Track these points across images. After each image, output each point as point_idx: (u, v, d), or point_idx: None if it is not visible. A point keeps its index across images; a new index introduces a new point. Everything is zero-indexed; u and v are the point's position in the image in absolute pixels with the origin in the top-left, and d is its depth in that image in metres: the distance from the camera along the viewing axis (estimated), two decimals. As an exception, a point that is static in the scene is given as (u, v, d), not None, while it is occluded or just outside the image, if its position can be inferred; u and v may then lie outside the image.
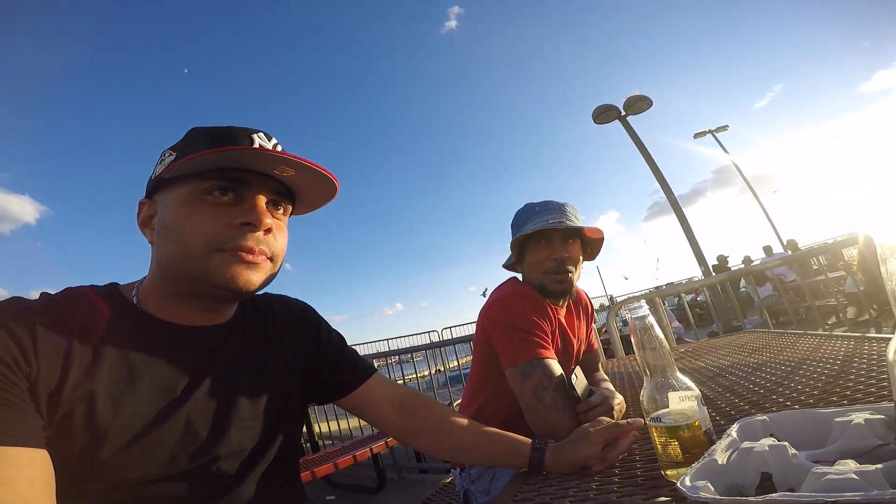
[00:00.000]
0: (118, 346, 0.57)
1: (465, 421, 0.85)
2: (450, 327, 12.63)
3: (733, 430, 0.56)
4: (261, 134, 0.63)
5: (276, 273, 0.66)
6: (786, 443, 0.48)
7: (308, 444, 3.67)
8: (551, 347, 1.10)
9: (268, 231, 0.62)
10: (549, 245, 1.20)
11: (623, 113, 7.40)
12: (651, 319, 0.61)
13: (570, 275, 1.19)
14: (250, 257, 0.60)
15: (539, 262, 1.19)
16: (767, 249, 9.70)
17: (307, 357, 0.80)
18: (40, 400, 0.50)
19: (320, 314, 0.87)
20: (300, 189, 0.67)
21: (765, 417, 0.59)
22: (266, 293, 0.81)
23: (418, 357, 4.03)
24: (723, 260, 10.33)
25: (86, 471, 0.53)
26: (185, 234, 0.58)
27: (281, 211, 0.66)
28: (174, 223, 0.59)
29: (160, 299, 0.63)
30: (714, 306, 4.65)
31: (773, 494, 0.37)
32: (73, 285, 0.62)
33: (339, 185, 0.68)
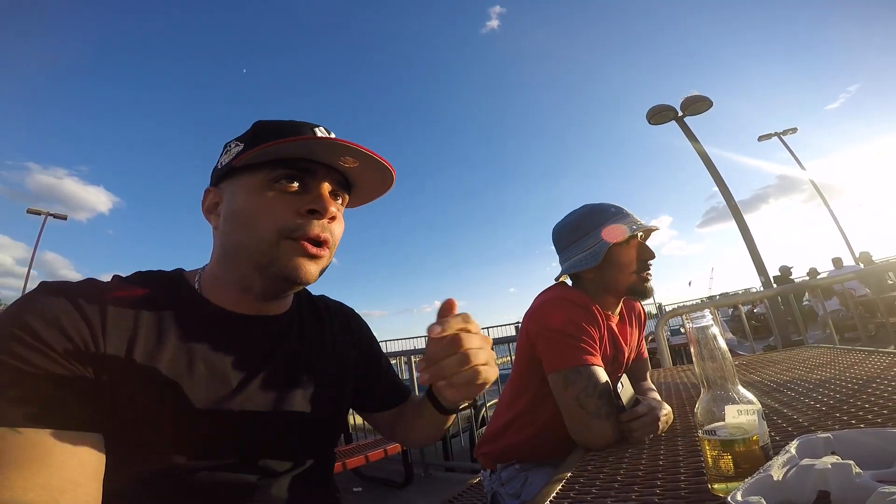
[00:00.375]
0: (179, 332, 0.59)
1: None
2: (487, 328, 12.60)
3: (792, 447, 0.52)
4: (322, 128, 0.66)
5: (330, 262, 0.68)
6: (851, 462, 0.44)
7: (342, 436, 3.76)
8: (598, 354, 1.07)
9: (332, 219, 0.64)
10: (642, 245, 1.20)
11: (680, 114, 7.07)
12: (714, 330, 0.58)
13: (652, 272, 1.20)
14: (315, 250, 0.62)
15: (629, 263, 1.18)
16: (837, 262, 8.97)
17: (357, 363, 0.82)
18: (104, 382, 0.52)
19: (367, 325, 0.91)
20: (358, 180, 0.69)
21: (828, 435, 0.54)
22: (321, 295, 0.86)
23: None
24: (785, 271, 9.68)
25: (137, 454, 0.54)
26: (255, 219, 0.61)
27: (340, 201, 0.68)
28: (245, 209, 0.61)
29: (221, 286, 0.65)
30: (774, 318, 4.36)
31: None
32: (143, 270, 0.66)
33: (395, 177, 0.69)
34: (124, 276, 0.63)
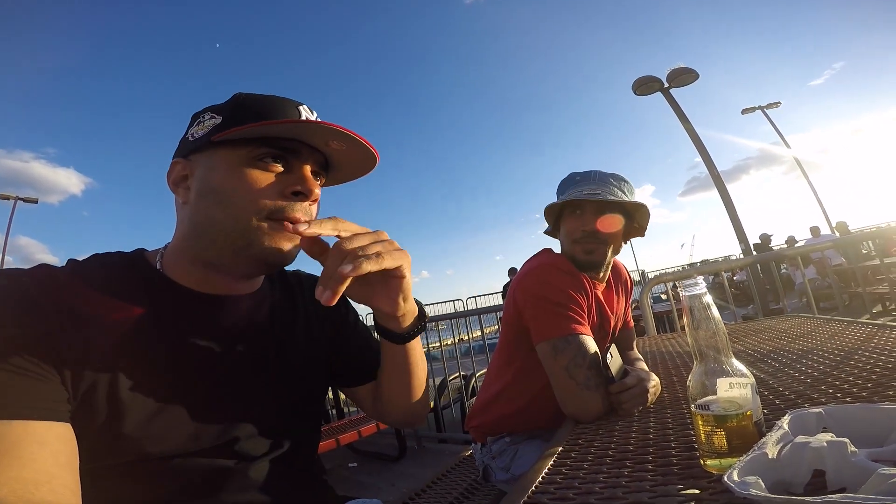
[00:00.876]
0: (141, 316, 0.57)
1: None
2: (475, 296, 12.73)
3: (784, 423, 0.52)
4: (305, 107, 0.63)
5: None
6: (846, 439, 0.44)
7: (334, 411, 3.81)
8: (587, 323, 1.07)
9: (314, 201, 0.62)
10: (583, 216, 1.16)
11: (666, 85, 7.02)
12: (708, 298, 0.57)
13: (600, 246, 1.15)
14: (294, 230, 0.59)
15: (570, 232, 1.17)
16: (815, 230, 9.18)
17: (332, 336, 0.79)
18: (65, 372, 0.50)
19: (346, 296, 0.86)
20: (340, 162, 0.67)
21: (820, 410, 0.55)
22: (294, 270, 0.81)
23: (442, 325, 4.07)
24: (766, 239, 9.87)
25: (107, 445, 0.52)
26: (235, 197, 0.58)
27: (319, 182, 0.66)
28: (224, 186, 0.58)
29: (187, 264, 0.62)
30: (753, 286, 4.46)
31: (836, 495, 0.34)
32: (101, 252, 0.63)
33: (378, 161, 0.67)
34: (80, 259, 0.60)
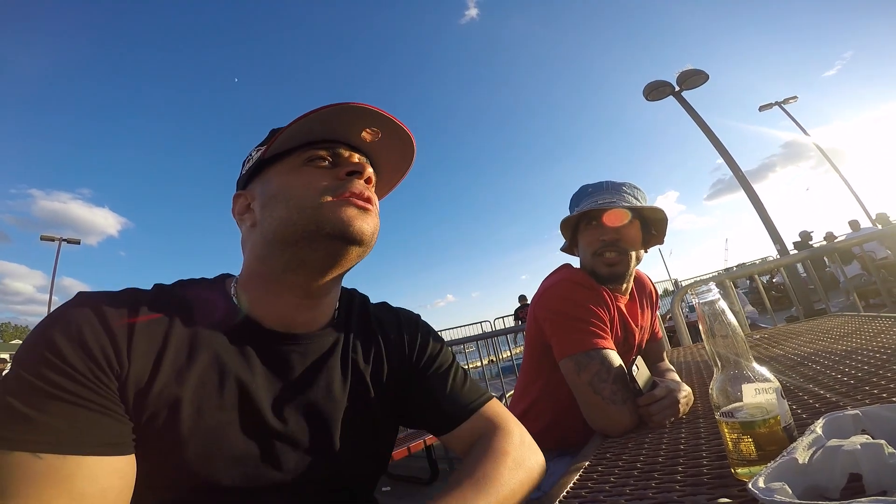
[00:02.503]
0: (212, 350, 0.56)
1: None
2: (502, 317, 12.56)
3: (818, 426, 0.50)
4: None
5: (378, 227, 0.65)
6: (882, 441, 0.41)
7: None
8: (609, 337, 1.05)
9: (368, 181, 0.63)
10: (600, 227, 1.14)
11: (677, 88, 6.94)
12: (722, 304, 0.55)
13: (622, 257, 1.13)
14: (361, 202, 0.60)
15: (589, 244, 1.15)
16: (854, 224, 8.75)
17: (411, 380, 0.72)
18: (129, 400, 0.50)
19: (433, 333, 0.78)
20: (380, 161, 0.69)
21: (856, 412, 0.52)
22: (382, 302, 0.79)
23: (470, 348, 4.03)
24: (805, 236, 9.46)
25: (161, 477, 0.52)
26: (295, 192, 0.59)
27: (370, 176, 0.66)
28: (283, 188, 0.60)
29: (259, 290, 0.61)
30: (793, 288, 4.26)
31: (864, 499, 0.32)
32: (185, 278, 0.64)
33: (415, 148, 0.67)
34: (166, 285, 0.61)
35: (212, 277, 0.67)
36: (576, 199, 1.23)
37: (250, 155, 0.67)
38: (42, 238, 14.24)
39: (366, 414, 0.66)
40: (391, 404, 0.70)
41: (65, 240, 14.42)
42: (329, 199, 0.59)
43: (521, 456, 0.64)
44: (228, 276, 0.67)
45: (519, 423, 0.74)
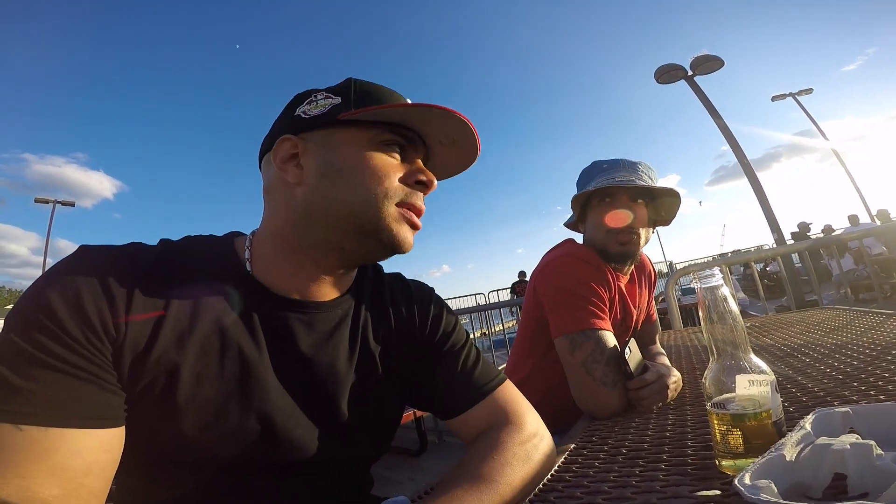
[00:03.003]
0: (216, 314, 0.53)
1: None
2: (497, 290, 12.65)
3: (807, 423, 0.50)
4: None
5: None
6: (872, 441, 0.41)
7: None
8: (608, 317, 1.04)
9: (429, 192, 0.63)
10: (613, 204, 1.12)
11: (690, 73, 6.78)
12: (725, 290, 0.54)
13: (635, 237, 1.11)
14: (418, 221, 0.60)
15: (602, 223, 1.12)
16: (853, 219, 8.74)
17: (422, 356, 0.70)
18: (123, 366, 0.47)
19: (447, 309, 0.75)
20: (435, 160, 0.65)
21: (847, 409, 0.52)
22: (396, 273, 0.76)
23: (464, 320, 4.06)
24: (804, 227, 9.47)
25: (157, 449, 0.50)
26: (367, 179, 0.56)
27: None
28: (354, 166, 0.56)
29: (279, 256, 0.58)
30: (787, 277, 4.29)
31: (845, 501, 0.32)
32: (194, 234, 0.61)
33: (472, 164, 0.66)
34: (173, 241, 0.58)
35: (221, 235, 0.63)
36: (588, 175, 1.20)
37: (313, 97, 0.60)
38: (36, 200, 14.09)
39: (372, 390, 0.63)
40: (399, 382, 0.67)
41: (59, 202, 14.34)
42: (396, 206, 0.57)
43: (528, 451, 0.61)
44: (240, 234, 0.63)
45: (532, 409, 0.71)
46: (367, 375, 0.63)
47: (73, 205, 14.88)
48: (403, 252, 0.59)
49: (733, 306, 0.54)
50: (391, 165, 0.58)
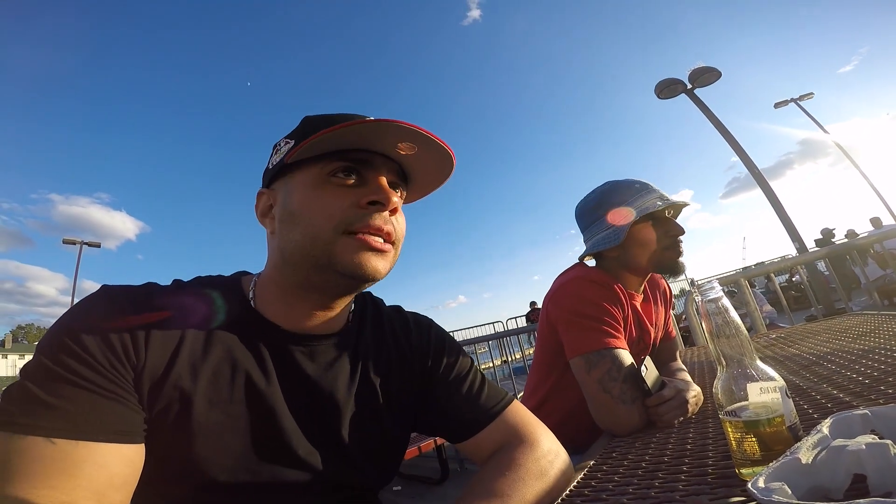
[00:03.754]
0: (226, 346, 0.57)
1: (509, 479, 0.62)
2: (515, 317, 12.51)
3: (825, 426, 0.49)
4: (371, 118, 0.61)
5: (397, 258, 0.63)
6: (889, 441, 0.40)
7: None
8: (622, 336, 1.04)
9: (393, 211, 0.60)
10: (662, 222, 1.14)
11: (689, 86, 6.85)
12: (725, 302, 0.55)
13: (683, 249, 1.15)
14: (378, 243, 0.57)
15: (654, 240, 1.14)
16: (876, 222, 8.49)
17: (425, 385, 0.72)
18: (143, 391, 0.51)
19: (448, 337, 0.78)
20: (415, 169, 0.64)
21: (866, 411, 0.51)
22: (395, 306, 0.78)
23: (482, 348, 4.02)
24: (828, 234, 9.19)
25: (170, 468, 0.53)
26: (312, 217, 0.57)
27: (399, 193, 0.64)
28: (300, 207, 0.58)
29: (279, 294, 0.62)
30: (813, 287, 4.16)
31: (864, 500, 0.32)
32: (203, 275, 0.65)
33: (455, 162, 0.63)
34: (185, 280, 0.62)
35: (229, 275, 0.67)
36: (618, 196, 1.18)
37: (278, 146, 0.63)
38: (64, 241, 14.70)
39: (372, 419, 0.65)
40: (403, 410, 0.69)
41: (86, 243, 14.92)
42: (345, 235, 0.56)
43: (543, 467, 0.61)
44: (246, 273, 0.67)
45: (545, 427, 0.71)
46: (367, 404, 0.65)
47: (98, 246, 15.50)
48: (369, 278, 0.58)
49: (735, 316, 0.54)
50: (340, 195, 0.57)
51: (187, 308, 0.56)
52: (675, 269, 1.15)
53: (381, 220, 0.58)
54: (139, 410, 0.50)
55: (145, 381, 0.51)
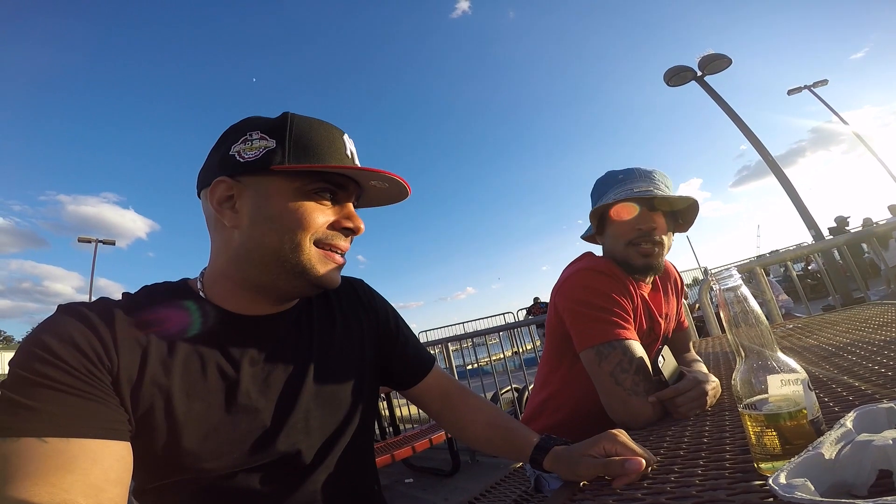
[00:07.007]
0: (189, 340, 0.61)
1: (488, 414, 0.84)
2: (524, 308, 12.47)
3: (848, 420, 0.47)
4: (346, 136, 0.67)
5: None
6: (917, 436, 0.39)
7: (390, 428, 3.85)
8: (632, 327, 1.02)
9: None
10: (634, 214, 1.09)
11: (699, 73, 6.69)
12: (744, 290, 0.53)
13: (657, 248, 1.09)
14: (341, 260, 0.67)
15: (622, 234, 1.10)
16: (893, 209, 8.29)
17: (375, 337, 0.81)
18: (123, 394, 0.53)
19: (385, 299, 0.89)
20: (374, 196, 0.72)
21: (891, 405, 0.49)
22: None
23: (493, 340, 4.01)
24: (842, 221, 9.00)
25: (168, 463, 0.56)
26: (292, 225, 0.61)
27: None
28: (283, 215, 0.61)
29: (233, 288, 0.65)
30: (829, 275, 4.08)
31: (891, 497, 0.30)
32: (149, 284, 0.67)
33: (409, 194, 0.72)
34: (132, 292, 0.65)
35: (174, 281, 0.70)
36: (603, 186, 1.18)
37: (249, 136, 0.62)
38: (79, 240, 14.95)
39: (339, 378, 0.72)
40: (360, 365, 0.76)
41: (101, 241, 15.08)
42: (318, 247, 0.63)
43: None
44: (188, 279, 0.70)
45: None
46: (328, 364, 0.71)
47: (113, 243, 15.57)
48: (329, 286, 0.66)
49: (755, 305, 0.52)
50: (319, 211, 0.63)
51: (145, 312, 0.59)
52: (637, 269, 1.09)
53: (347, 241, 0.67)
54: (121, 411, 0.53)
55: (123, 385, 0.53)
